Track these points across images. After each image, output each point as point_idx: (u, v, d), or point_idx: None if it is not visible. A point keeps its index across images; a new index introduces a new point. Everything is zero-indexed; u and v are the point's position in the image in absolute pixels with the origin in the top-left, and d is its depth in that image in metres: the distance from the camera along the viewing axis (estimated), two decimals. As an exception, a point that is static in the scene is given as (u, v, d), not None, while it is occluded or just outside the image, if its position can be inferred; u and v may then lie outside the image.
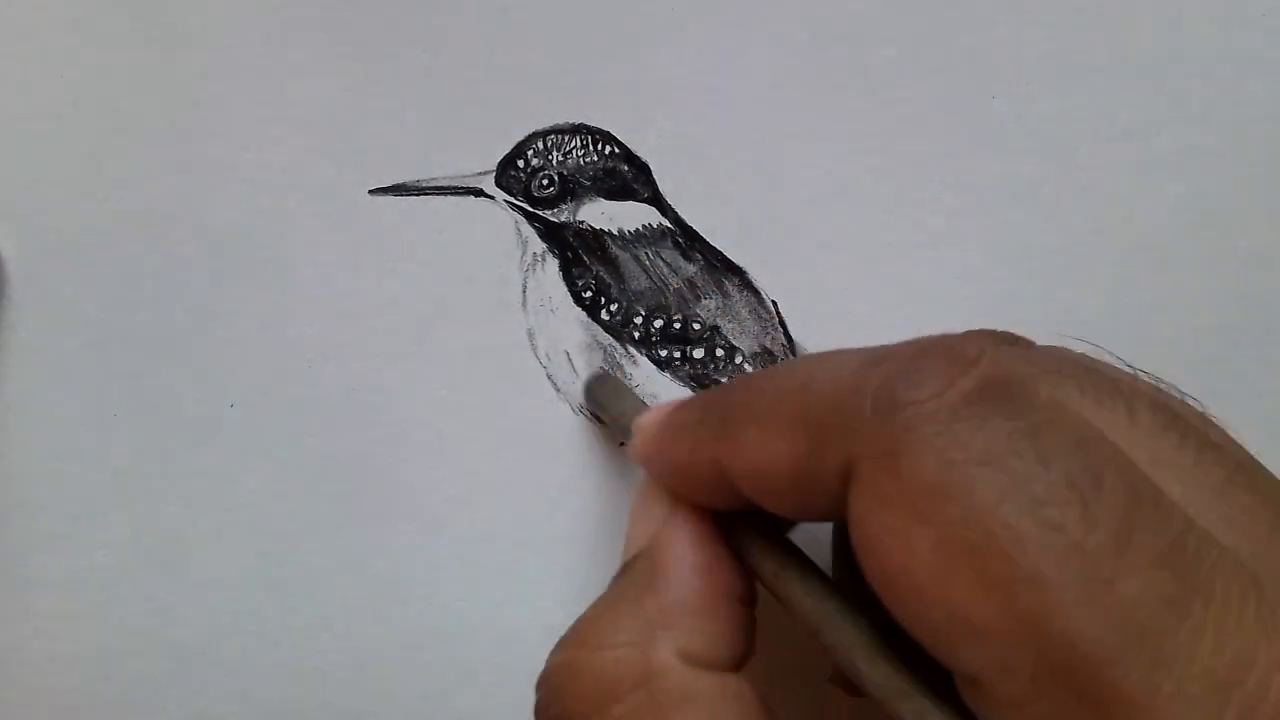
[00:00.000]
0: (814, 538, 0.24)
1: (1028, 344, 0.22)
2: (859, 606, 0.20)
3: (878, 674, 0.19)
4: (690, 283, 0.31)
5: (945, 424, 0.17)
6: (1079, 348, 0.21)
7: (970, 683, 0.17)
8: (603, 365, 0.31)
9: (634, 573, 0.23)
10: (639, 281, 0.31)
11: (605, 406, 0.29)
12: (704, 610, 0.22)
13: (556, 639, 0.22)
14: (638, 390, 0.31)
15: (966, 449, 0.17)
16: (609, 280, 0.31)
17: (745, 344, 0.31)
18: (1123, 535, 0.16)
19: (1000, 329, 0.23)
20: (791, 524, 0.24)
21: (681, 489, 0.23)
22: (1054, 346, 0.22)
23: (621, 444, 0.30)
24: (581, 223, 0.31)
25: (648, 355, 0.31)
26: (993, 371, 0.18)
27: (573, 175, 0.31)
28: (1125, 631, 0.16)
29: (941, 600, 0.17)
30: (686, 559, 0.22)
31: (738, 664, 0.22)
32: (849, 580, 0.21)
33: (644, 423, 0.25)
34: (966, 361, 0.18)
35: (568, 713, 0.21)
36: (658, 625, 0.21)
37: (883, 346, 0.20)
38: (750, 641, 0.22)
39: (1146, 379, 0.20)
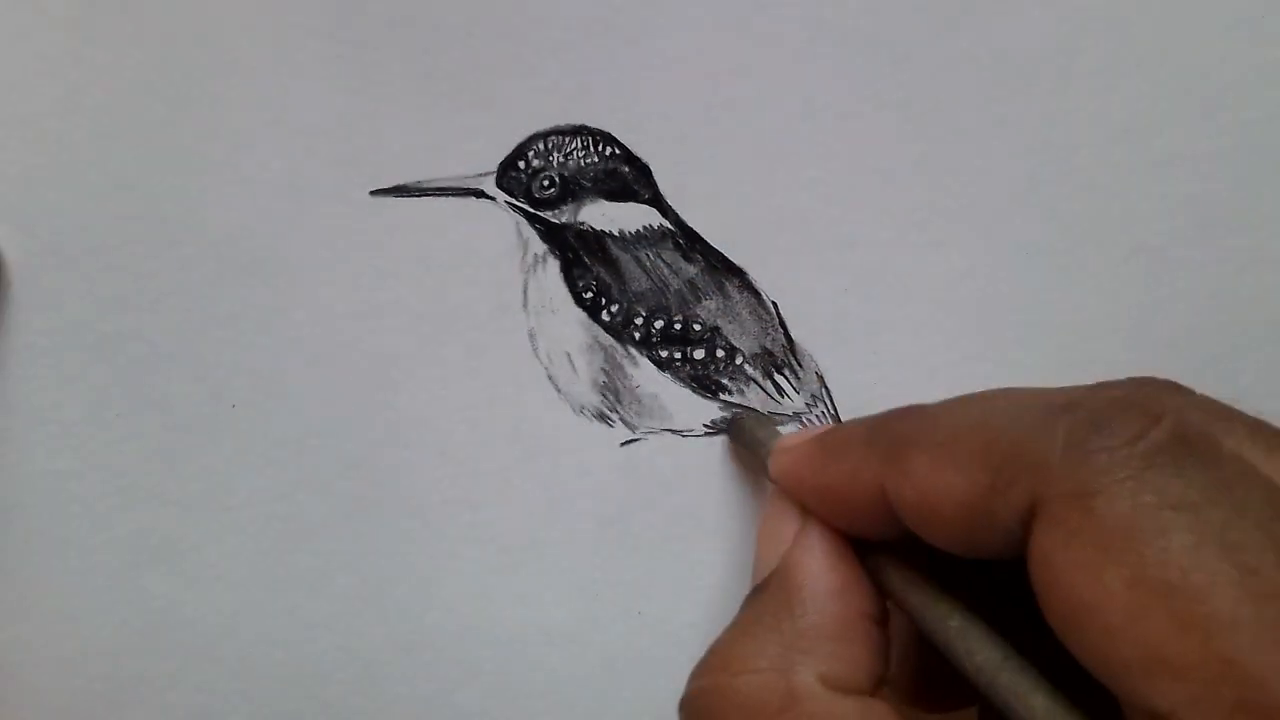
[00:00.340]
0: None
1: (1189, 391, 0.23)
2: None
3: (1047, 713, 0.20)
4: (691, 284, 0.31)
5: (1139, 469, 0.18)
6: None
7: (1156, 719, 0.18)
8: (604, 367, 0.31)
9: (768, 595, 0.23)
10: (639, 282, 0.31)
11: (750, 436, 0.29)
12: (840, 634, 0.22)
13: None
14: (637, 391, 0.31)
15: (1161, 494, 0.18)
16: (610, 281, 0.31)
17: (745, 345, 0.31)
18: None
19: (1163, 377, 0.24)
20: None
21: (827, 510, 0.24)
22: (1207, 397, 0.22)
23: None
24: (582, 224, 0.31)
25: (648, 356, 0.31)
26: (1180, 426, 0.19)
27: (573, 176, 0.31)
28: None
29: (1134, 637, 0.18)
30: (820, 581, 0.23)
31: (875, 686, 0.22)
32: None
33: (789, 443, 0.25)
34: (1154, 415, 0.19)
35: None
36: (796, 649, 0.22)
37: (1060, 391, 0.21)
38: (885, 662, 0.23)
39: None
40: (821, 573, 0.23)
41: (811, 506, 0.24)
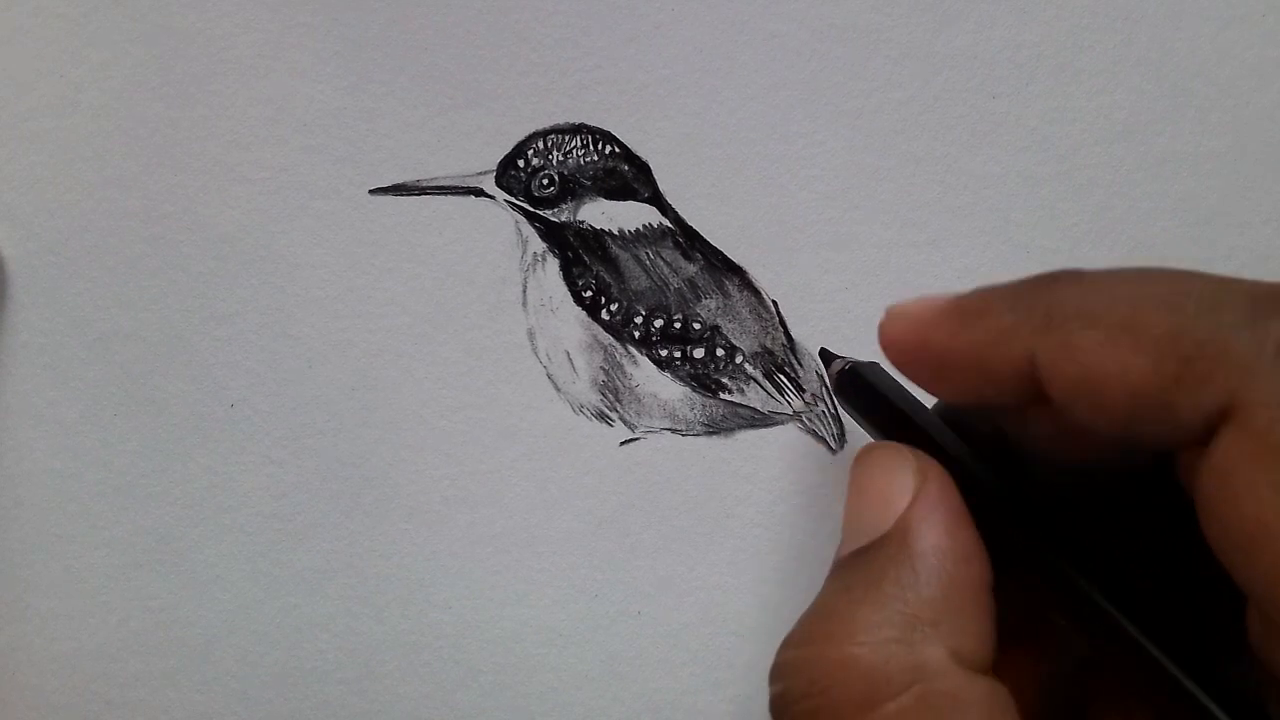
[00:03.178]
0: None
1: None
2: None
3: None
4: (690, 282, 0.31)
5: None
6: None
7: None
8: (604, 366, 0.31)
9: (883, 560, 0.21)
10: (639, 281, 0.31)
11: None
12: (966, 607, 0.20)
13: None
14: (637, 390, 0.31)
15: None
16: (609, 280, 0.31)
17: (745, 343, 0.31)
18: None
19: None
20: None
21: (956, 380, 0.21)
22: None
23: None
24: (582, 222, 0.31)
25: (648, 355, 0.31)
26: None
27: (573, 175, 0.31)
28: None
29: None
30: (945, 547, 0.20)
31: (991, 665, 0.20)
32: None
33: (907, 309, 0.22)
34: None
35: (829, 707, 0.19)
36: (923, 621, 0.20)
37: (1256, 283, 0.19)
38: (996, 637, 0.21)
39: None
40: (944, 538, 0.20)
41: (930, 376, 0.22)
